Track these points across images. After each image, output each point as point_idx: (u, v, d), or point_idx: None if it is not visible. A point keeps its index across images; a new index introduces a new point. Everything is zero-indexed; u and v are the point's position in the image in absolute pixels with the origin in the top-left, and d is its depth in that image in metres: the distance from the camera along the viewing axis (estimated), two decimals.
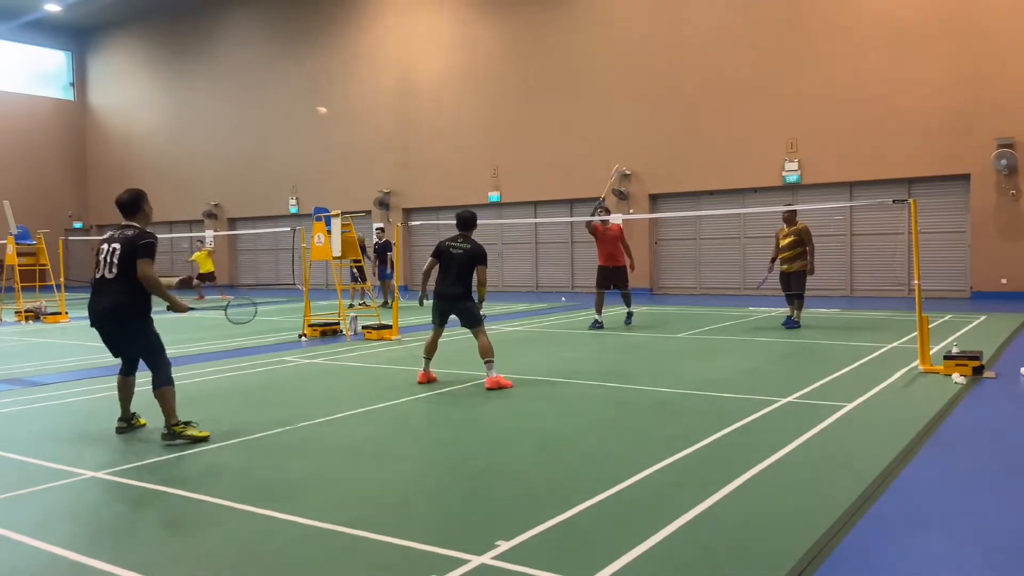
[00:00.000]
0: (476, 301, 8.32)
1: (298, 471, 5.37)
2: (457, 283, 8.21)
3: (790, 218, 12.67)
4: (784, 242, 12.55)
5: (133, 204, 6.28)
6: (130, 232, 6.11)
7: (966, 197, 18.22)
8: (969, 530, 4.04)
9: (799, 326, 12.57)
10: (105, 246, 6.14)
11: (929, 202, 18.04)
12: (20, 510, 4.64)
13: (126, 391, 6.47)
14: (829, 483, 4.76)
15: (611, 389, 7.95)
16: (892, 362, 9.06)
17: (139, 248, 6.01)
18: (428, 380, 8.37)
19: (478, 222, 8.77)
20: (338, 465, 5.62)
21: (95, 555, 3.86)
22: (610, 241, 13.48)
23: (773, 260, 12.97)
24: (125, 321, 6.08)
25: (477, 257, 8.28)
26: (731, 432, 5.98)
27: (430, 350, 8.47)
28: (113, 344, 6.29)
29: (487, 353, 8.09)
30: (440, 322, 8.39)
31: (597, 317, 13.43)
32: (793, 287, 12.61)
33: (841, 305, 17.22)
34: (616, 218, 21.56)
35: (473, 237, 8.49)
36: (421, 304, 8.60)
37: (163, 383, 6.08)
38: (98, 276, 6.10)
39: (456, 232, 8.42)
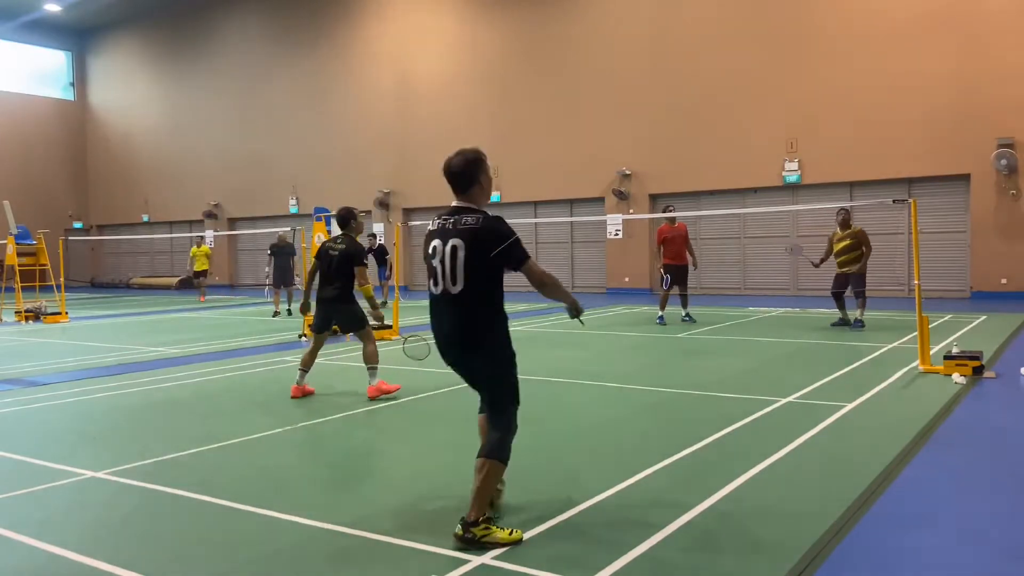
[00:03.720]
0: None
1: (298, 471, 5.37)
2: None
3: (845, 220, 12.62)
4: (840, 245, 12.52)
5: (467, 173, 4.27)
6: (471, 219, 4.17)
7: (966, 197, 18.21)
8: (969, 530, 4.04)
9: (864, 326, 12.43)
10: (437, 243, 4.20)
11: (929, 202, 18.03)
12: (20, 510, 4.64)
13: None
14: (829, 483, 4.76)
15: (611, 389, 7.94)
16: (892, 362, 9.06)
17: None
18: None
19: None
20: (338, 465, 5.62)
21: (95, 555, 3.86)
22: (679, 241, 13.87)
23: (822, 261, 12.94)
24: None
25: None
26: (731, 432, 5.98)
27: None
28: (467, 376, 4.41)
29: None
30: None
31: (662, 313, 13.92)
32: (855, 286, 12.55)
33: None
34: (617, 218, 21.70)
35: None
36: None
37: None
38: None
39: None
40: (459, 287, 4.06)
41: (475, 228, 4.06)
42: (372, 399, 7.58)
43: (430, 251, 4.17)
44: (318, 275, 8.03)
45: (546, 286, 4.19)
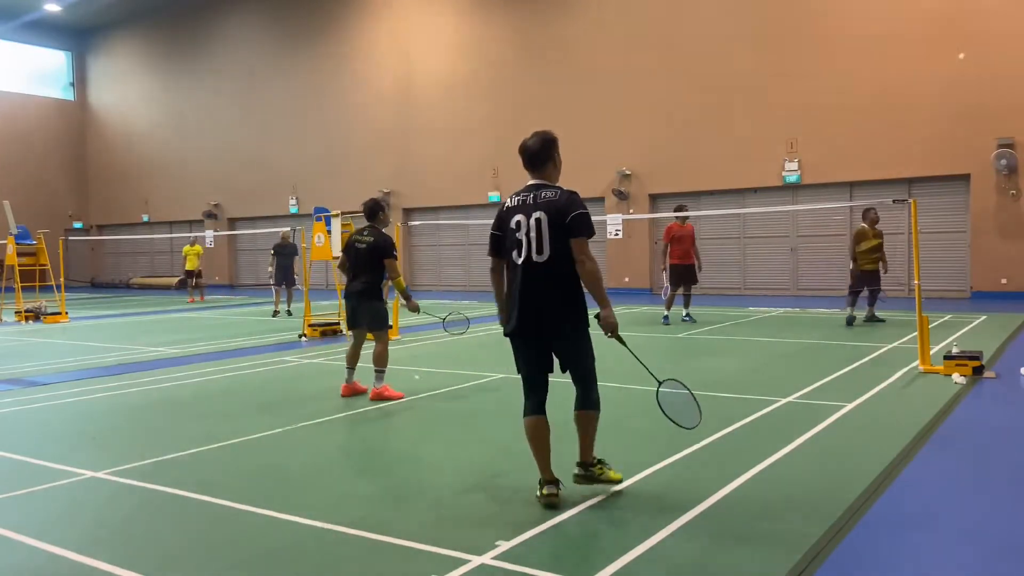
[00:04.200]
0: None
1: (298, 471, 5.37)
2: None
3: (877, 219, 13.14)
4: (874, 243, 12.98)
5: (543, 152, 4.66)
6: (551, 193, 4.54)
7: (966, 197, 18.21)
8: (969, 530, 4.04)
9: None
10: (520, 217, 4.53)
11: (929, 202, 18.03)
12: (20, 510, 4.64)
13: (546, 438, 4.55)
14: (829, 483, 4.75)
15: (610, 389, 7.92)
16: (892, 362, 9.06)
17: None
18: None
19: (481, 221, 8.45)
20: (338, 465, 5.62)
21: (95, 555, 3.86)
22: (687, 240, 13.97)
23: (855, 261, 13.24)
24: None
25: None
26: (731, 432, 5.98)
27: None
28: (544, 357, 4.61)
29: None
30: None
31: (667, 313, 13.90)
32: (877, 284, 13.14)
33: (841, 305, 17.18)
34: (617, 218, 21.69)
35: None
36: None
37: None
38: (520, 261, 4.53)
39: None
40: (545, 255, 4.44)
41: (554, 200, 4.47)
42: (372, 400, 7.54)
43: (513, 225, 4.53)
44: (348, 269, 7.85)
45: (586, 267, 4.40)
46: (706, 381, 8.12)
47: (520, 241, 4.48)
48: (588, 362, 4.57)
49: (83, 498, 4.87)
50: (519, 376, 4.61)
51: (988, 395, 7.34)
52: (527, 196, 4.55)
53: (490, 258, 4.73)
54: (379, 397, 7.54)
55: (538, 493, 4.44)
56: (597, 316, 4.43)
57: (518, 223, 4.50)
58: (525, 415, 4.55)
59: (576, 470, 4.55)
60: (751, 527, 4.06)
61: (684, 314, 14.08)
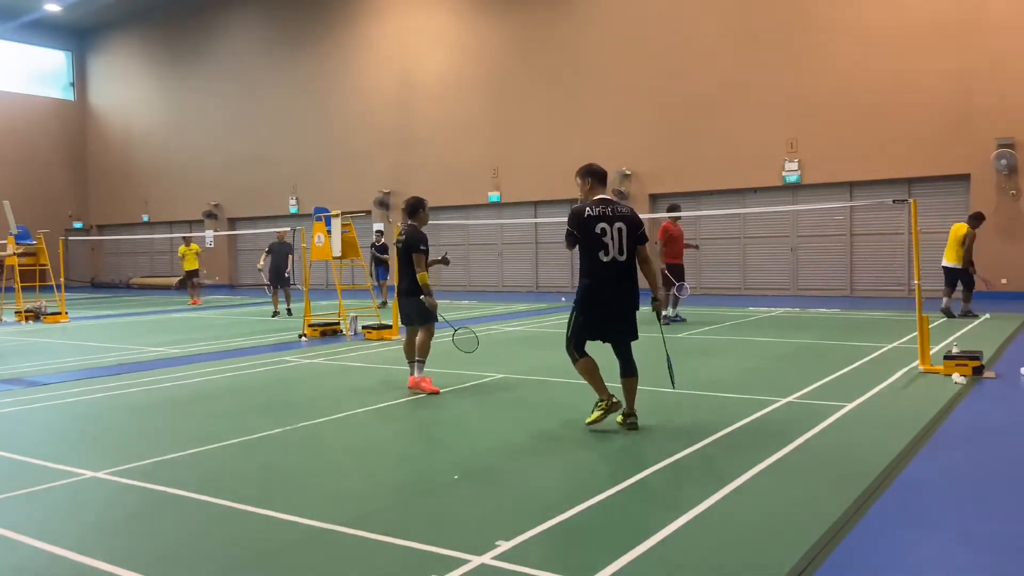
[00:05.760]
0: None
1: (298, 471, 5.37)
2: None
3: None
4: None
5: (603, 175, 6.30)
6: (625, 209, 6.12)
7: (966, 197, 18.21)
8: (969, 530, 4.04)
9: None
10: (605, 225, 5.96)
11: (929, 202, 18.03)
12: (20, 510, 4.64)
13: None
14: (829, 483, 4.76)
15: (610, 389, 7.93)
16: (892, 362, 9.06)
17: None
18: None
19: (481, 221, 8.69)
20: (338, 465, 5.62)
21: (95, 555, 3.86)
22: (680, 240, 14.06)
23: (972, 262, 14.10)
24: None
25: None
26: (731, 432, 5.98)
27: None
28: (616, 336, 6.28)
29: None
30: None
31: (666, 313, 13.77)
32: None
33: (841, 305, 17.21)
34: None
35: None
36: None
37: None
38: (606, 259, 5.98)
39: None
40: (625, 256, 6.01)
41: (628, 215, 6.06)
42: (410, 389, 7.74)
43: (598, 231, 5.92)
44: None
45: (651, 266, 6.27)
46: (706, 381, 8.13)
47: (607, 244, 5.91)
48: (636, 332, 6.29)
49: (83, 498, 4.87)
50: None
51: (988, 395, 7.35)
52: (605, 209, 5.97)
53: (568, 250, 6.23)
54: (416, 387, 7.71)
55: (597, 411, 6.19)
56: (654, 299, 6.26)
57: (603, 230, 5.91)
58: (580, 358, 6.18)
59: (627, 421, 6.14)
60: (751, 527, 4.06)
61: (675, 313, 14.04)
